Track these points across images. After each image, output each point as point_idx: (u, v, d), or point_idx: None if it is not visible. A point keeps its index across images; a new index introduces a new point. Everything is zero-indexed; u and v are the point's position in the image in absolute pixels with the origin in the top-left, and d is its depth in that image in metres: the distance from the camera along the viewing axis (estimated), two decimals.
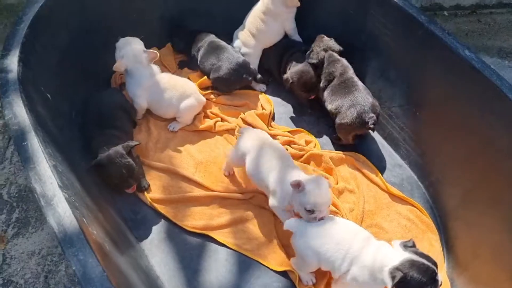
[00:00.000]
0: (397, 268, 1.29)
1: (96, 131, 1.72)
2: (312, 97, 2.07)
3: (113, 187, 1.68)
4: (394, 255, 1.34)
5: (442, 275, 1.66)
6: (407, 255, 1.32)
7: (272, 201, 1.59)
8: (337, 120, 1.87)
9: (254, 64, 2.12)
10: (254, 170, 1.62)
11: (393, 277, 1.28)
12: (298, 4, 2.05)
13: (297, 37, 2.15)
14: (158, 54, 1.89)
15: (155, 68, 1.89)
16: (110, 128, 1.74)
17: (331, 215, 1.53)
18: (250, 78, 2.07)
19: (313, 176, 1.49)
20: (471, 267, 1.62)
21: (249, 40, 2.13)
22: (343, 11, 2.05)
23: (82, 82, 1.87)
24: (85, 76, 1.89)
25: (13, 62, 1.44)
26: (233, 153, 1.72)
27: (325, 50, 1.96)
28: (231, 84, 2.06)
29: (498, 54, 2.55)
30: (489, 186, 1.63)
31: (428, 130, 1.89)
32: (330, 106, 1.91)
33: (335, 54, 1.97)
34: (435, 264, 1.32)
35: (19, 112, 1.32)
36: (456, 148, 1.78)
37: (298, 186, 1.44)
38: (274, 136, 1.95)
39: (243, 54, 2.12)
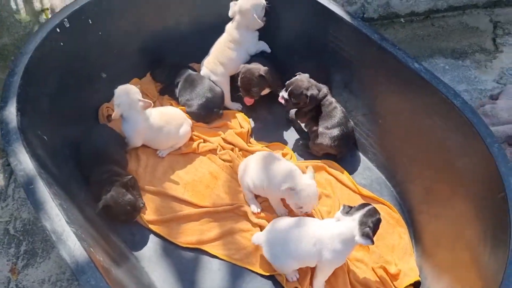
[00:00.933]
0: (362, 225, 1.58)
1: (94, 169, 1.87)
2: (251, 102, 2.23)
3: (119, 222, 1.85)
4: (348, 223, 1.62)
5: (412, 263, 1.88)
6: (355, 216, 1.62)
7: (271, 198, 1.94)
8: (317, 141, 2.10)
9: (226, 91, 2.29)
10: (259, 182, 1.89)
11: (366, 234, 1.56)
12: (262, 24, 2.21)
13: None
14: (152, 103, 2.03)
15: (148, 111, 2.03)
16: (108, 165, 1.89)
17: (287, 218, 1.80)
18: (221, 112, 2.26)
19: (304, 179, 1.80)
20: (435, 255, 1.84)
21: (217, 68, 2.27)
22: (305, 32, 2.24)
23: (73, 120, 2.03)
24: (74, 113, 2.05)
25: (11, 112, 1.60)
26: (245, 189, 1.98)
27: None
28: (203, 118, 2.24)
29: (451, 55, 2.77)
30: (445, 183, 1.85)
31: (390, 135, 2.10)
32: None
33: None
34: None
35: (23, 158, 1.49)
36: (415, 150, 1.99)
37: (290, 189, 1.75)
38: (253, 152, 2.15)
39: (213, 82, 2.27)
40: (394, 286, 1.81)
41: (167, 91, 2.35)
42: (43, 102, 1.86)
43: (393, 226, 2.00)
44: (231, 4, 2.21)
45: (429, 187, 1.95)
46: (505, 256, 1.41)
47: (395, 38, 2.83)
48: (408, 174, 2.06)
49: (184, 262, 1.86)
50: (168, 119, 2.08)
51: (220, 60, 2.27)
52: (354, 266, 1.84)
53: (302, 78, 2.07)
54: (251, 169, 1.92)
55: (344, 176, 2.13)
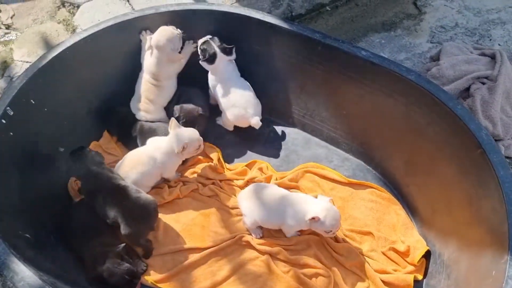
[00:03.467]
0: None
1: (85, 246, 1.80)
2: None
3: None
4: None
5: (416, 236, 1.96)
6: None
7: (288, 230, 1.94)
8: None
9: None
10: (267, 218, 1.91)
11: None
12: (181, 58, 2.20)
13: None
14: None
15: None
16: (98, 237, 1.82)
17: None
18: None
19: (323, 205, 1.80)
20: (435, 222, 1.92)
21: (149, 107, 2.24)
22: (252, 50, 2.26)
23: (47, 205, 1.93)
24: (46, 199, 1.95)
25: None
26: (248, 221, 1.95)
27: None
28: None
29: (383, 29, 2.90)
30: (422, 153, 1.95)
31: (357, 122, 2.17)
32: None
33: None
34: None
35: (17, 268, 1.41)
36: (385, 130, 2.08)
37: (315, 219, 1.77)
38: (232, 179, 2.16)
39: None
40: (409, 263, 1.88)
41: (128, 142, 2.27)
42: (12, 199, 1.75)
43: (387, 206, 2.07)
44: (147, 38, 2.15)
45: (409, 160, 2.04)
46: (503, 207, 1.51)
47: (327, 27, 2.92)
48: (385, 153, 2.14)
49: None
50: (139, 160, 2.07)
51: (150, 98, 2.23)
52: (368, 257, 1.90)
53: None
54: (259, 208, 1.91)
55: (328, 172, 2.18)
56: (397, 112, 1.99)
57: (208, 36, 2.17)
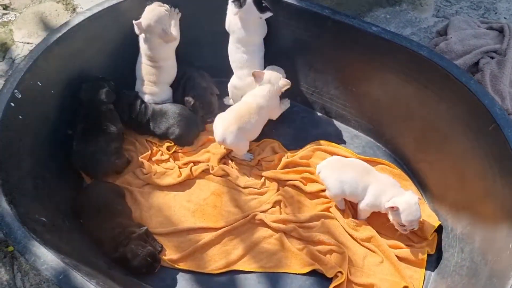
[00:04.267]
0: None
1: (103, 227, 1.80)
2: None
3: (141, 275, 1.79)
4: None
5: (428, 211, 1.98)
6: None
7: (363, 206, 1.91)
8: None
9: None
10: (354, 189, 1.90)
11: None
12: (175, 38, 2.15)
13: None
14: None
15: None
16: (116, 219, 1.83)
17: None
18: (201, 128, 2.29)
19: (408, 199, 1.78)
20: (447, 197, 1.94)
21: (154, 89, 2.20)
22: None
23: (59, 190, 1.92)
24: (58, 183, 1.94)
25: (5, 208, 1.50)
26: (333, 192, 1.94)
27: None
28: (188, 140, 2.24)
29: (388, 3, 2.87)
30: (434, 129, 1.95)
31: (367, 100, 2.16)
32: None
33: None
34: None
35: (39, 252, 1.40)
36: (395, 107, 2.08)
37: (393, 208, 1.78)
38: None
39: (156, 103, 2.21)
40: (422, 237, 1.90)
41: (139, 127, 2.25)
42: (25, 183, 1.74)
43: (398, 182, 2.08)
44: (134, 22, 2.09)
45: (420, 137, 2.04)
46: None
47: (331, 2, 2.88)
48: (395, 130, 2.14)
49: (222, 287, 1.85)
50: None
51: (152, 80, 2.20)
52: (380, 233, 1.92)
53: None
54: (344, 178, 1.90)
55: (339, 149, 2.18)
56: (408, 89, 1.98)
57: None
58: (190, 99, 2.18)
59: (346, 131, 2.28)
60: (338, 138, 2.25)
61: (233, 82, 2.24)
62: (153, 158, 2.19)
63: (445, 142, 1.92)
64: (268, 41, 2.23)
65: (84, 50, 2.09)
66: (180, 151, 2.21)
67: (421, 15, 2.80)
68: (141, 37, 2.15)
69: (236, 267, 1.87)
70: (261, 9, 2.05)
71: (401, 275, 1.82)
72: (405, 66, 1.94)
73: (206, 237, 1.94)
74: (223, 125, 2.05)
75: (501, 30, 2.36)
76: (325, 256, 1.88)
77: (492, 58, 2.23)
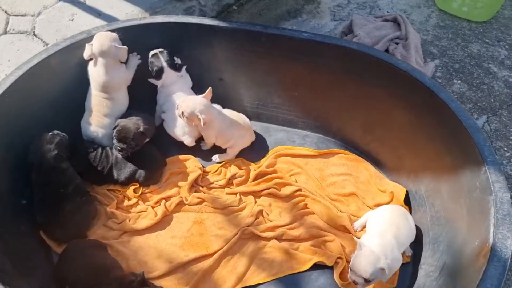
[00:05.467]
0: None
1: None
2: None
3: None
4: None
5: (390, 182, 2.20)
6: None
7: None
8: None
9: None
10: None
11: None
12: (126, 49, 2.10)
13: None
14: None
15: None
16: (109, 277, 1.73)
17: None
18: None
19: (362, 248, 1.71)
20: (403, 166, 2.18)
21: (103, 121, 2.14)
22: (192, 54, 2.29)
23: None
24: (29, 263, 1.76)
25: None
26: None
27: None
28: (154, 178, 2.21)
29: (290, 16, 3.14)
30: (376, 112, 2.19)
31: (310, 100, 2.33)
32: None
33: None
34: None
35: None
36: (336, 99, 2.28)
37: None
38: (216, 180, 2.19)
39: (101, 136, 2.14)
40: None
41: (97, 177, 2.13)
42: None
43: (357, 165, 2.29)
44: (86, 46, 2.06)
45: (365, 121, 2.27)
46: (462, 128, 1.80)
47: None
48: (341, 121, 2.35)
49: None
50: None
51: (103, 112, 2.14)
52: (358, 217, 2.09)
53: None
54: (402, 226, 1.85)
55: (298, 150, 2.33)
56: (345, 81, 2.20)
57: (159, 49, 2.15)
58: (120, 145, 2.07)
59: (296, 133, 2.44)
60: (291, 141, 2.40)
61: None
62: (120, 206, 2.10)
63: (389, 120, 2.17)
64: (204, 66, 2.33)
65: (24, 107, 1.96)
66: (147, 191, 2.15)
67: (321, 21, 3.11)
68: (91, 66, 2.09)
69: (244, 284, 1.88)
70: (177, 68, 2.22)
71: None
72: (339, 62, 2.16)
73: (204, 265, 1.92)
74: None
75: (394, 20, 2.76)
76: (320, 248, 1.98)
77: (397, 44, 2.60)
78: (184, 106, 2.07)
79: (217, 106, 2.22)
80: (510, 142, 2.53)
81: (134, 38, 2.16)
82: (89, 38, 2.09)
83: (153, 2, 2.91)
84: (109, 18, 2.71)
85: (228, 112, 2.25)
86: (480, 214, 1.65)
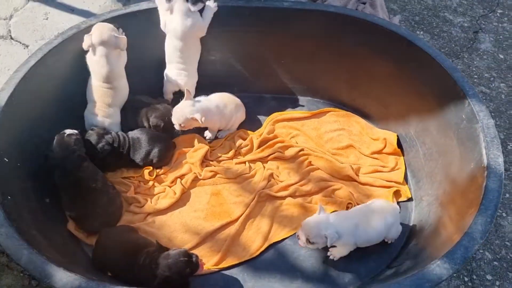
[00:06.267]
0: None
1: (131, 264, 1.77)
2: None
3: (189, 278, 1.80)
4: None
5: (380, 132, 2.41)
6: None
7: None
8: None
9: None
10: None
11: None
12: (124, 37, 2.15)
13: None
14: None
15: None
16: (140, 251, 1.80)
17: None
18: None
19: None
20: (390, 113, 2.39)
21: (108, 111, 2.21)
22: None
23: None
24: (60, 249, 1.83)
25: None
26: None
27: None
28: (167, 159, 2.31)
29: None
30: (359, 68, 2.38)
31: (296, 66, 2.49)
32: None
33: None
34: None
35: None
36: (321, 63, 2.44)
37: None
38: (223, 153, 2.31)
39: (108, 126, 2.21)
40: (390, 154, 2.32)
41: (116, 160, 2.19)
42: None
43: (348, 120, 2.48)
44: (85, 37, 2.09)
45: (349, 78, 2.46)
46: (439, 68, 2.01)
47: None
48: (326, 82, 2.52)
49: (276, 263, 1.97)
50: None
51: (107, 102, 2.19)
52: (358, 165, 2.30)
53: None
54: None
55: (292, 114, 2.50)
56: (327, 44, 2.36)
57: None
58: (159, 121, 2.23)
59: (286, 99, 2.59)
60: (283, 107, 2.55)
61: (168, 73, 2.37)
62: (138, 191, 2.18)
63: (372, 74, 2.36)
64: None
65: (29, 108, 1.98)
66: (161, 173, 2.24)
67: None
68: (90, 57, 2.12)
69: (273, 240, 2.03)
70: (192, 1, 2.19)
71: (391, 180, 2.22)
72: (320, 26, 2.31)
73: (231, 230, 2.05)
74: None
75: None
76: (331, 197, 2.17)
77: (364, 4, 2.77)
78: (175, 119, 2.18)
79: (201, 98, 2.28)
80: (475, 80, 2.81)
81: (125, 27, 2.21)
82: (80, 32, 2.12)
83: None
84: (83, 13, 2.70)
85: (213, 96, 2.35)
86: (470, 141, 1.87)
